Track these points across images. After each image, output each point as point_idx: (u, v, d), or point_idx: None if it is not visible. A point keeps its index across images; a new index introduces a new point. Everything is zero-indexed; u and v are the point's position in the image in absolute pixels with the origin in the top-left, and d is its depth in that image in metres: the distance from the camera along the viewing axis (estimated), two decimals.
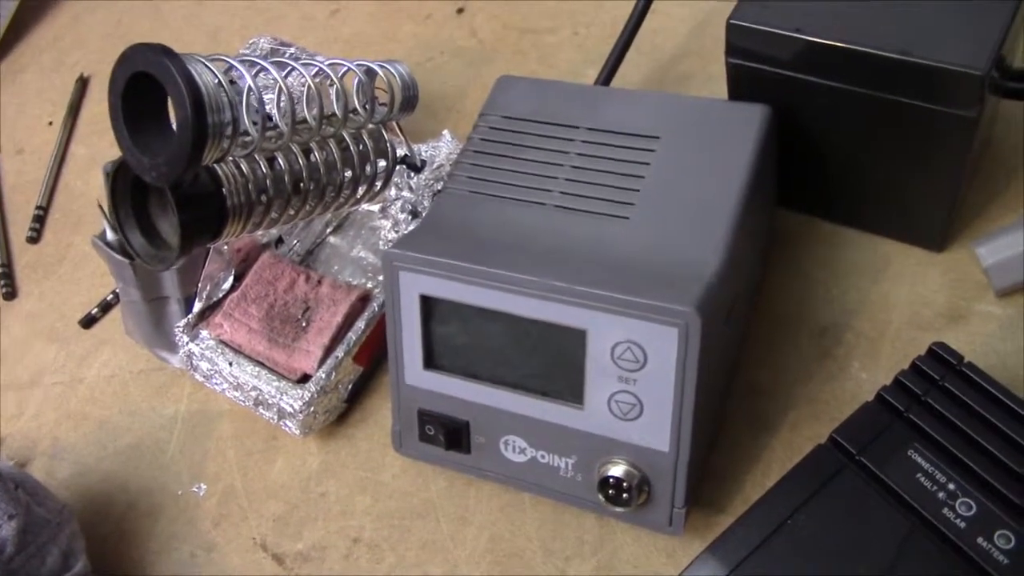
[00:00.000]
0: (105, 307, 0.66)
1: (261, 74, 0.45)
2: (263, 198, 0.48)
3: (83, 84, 0.83)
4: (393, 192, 0.61)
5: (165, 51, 0.39)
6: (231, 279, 0.59)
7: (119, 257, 0.55)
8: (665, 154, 0.48)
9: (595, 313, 0.42)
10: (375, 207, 0.63)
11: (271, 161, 0.48)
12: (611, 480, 0.45)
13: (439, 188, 0.60)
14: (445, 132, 0.62)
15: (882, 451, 0.40)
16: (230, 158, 0.46)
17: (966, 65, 0.43)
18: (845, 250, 0.56)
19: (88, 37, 0.89)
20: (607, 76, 0.60)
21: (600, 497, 0.46)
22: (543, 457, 0.47)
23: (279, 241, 0.62)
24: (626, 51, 0.60)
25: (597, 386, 0.44)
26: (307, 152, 0.50)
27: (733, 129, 0.48)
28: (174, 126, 0.43)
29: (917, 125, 0.47)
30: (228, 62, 0.43)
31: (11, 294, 0.70)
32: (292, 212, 0.51)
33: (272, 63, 0.46)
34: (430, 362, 0.48)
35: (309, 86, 0.48)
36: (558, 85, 0.54)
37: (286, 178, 0.49)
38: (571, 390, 0.45)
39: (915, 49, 0.44)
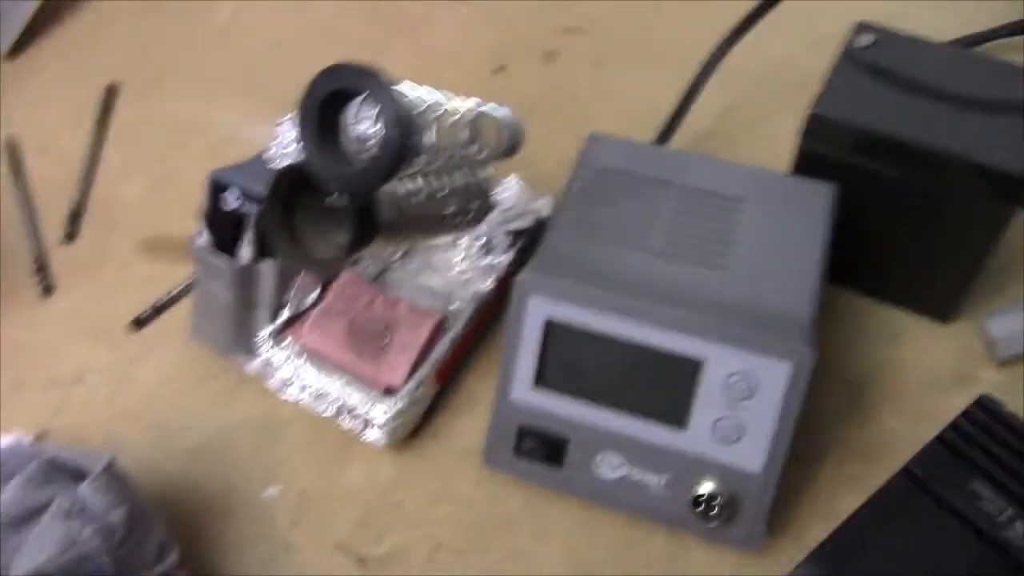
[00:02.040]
0: (158, 310, 0.67)
1: (433, 102, 0.49)
2: (402, 217, 0.52)
3: (112, 92, 0.83)
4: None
5: (375, 72, 0.43)
6: (317, 292, 0.61)
7: (223, 259, 0.57)
8: (751, 216, 0.56)
9: (716, 346, 0.49)
10: (445, 240, 0.67)
11: (413, 184, 0.52)
12: (704, 497, 0.51)
13: (512, 228, 0.65)
14: (512, 177, 0.67)
15: (949, 482, 0.48)
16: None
17: (1012, 167, 0.53)
18: (864, 316, 0.65)
19: (110, 41, 0.89)
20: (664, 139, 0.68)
21: (691, 513, 0.51)
22: (637, 474, 0.52)
23: (355, 262, 0.65)
24: (680, 120, 0.68)
25: (704, 411, 0.50)
26: (438, 178, 0.55)
27: (809, 201, 0.56)
28: (345, 142, 0.47)
29: (954, 213, 0.57)
30: (414, 86, 0.48)
31: (49, 289, 0.69)
32: (419, 233, 0.54)
33: (439, 94, 0.50)
34: (540, 381, 0.53)
35: (459, 119, 0.53)
36: (643, 147, 0.61)
37: (421, 201, 0.53)
38: (677, 413, 0.51)
39: (970, 149, 0.54)
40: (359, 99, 0.47)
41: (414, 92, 0.48)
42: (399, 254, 0.67)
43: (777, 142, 0.67)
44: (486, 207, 0.61)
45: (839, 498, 0.56)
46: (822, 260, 0.53)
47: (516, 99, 0.81)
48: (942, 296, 0.62)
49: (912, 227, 0.59)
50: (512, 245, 0.64)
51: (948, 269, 0.60)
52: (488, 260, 0.64)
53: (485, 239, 0.64)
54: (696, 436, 0.50)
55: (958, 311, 0.64)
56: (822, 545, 0.47)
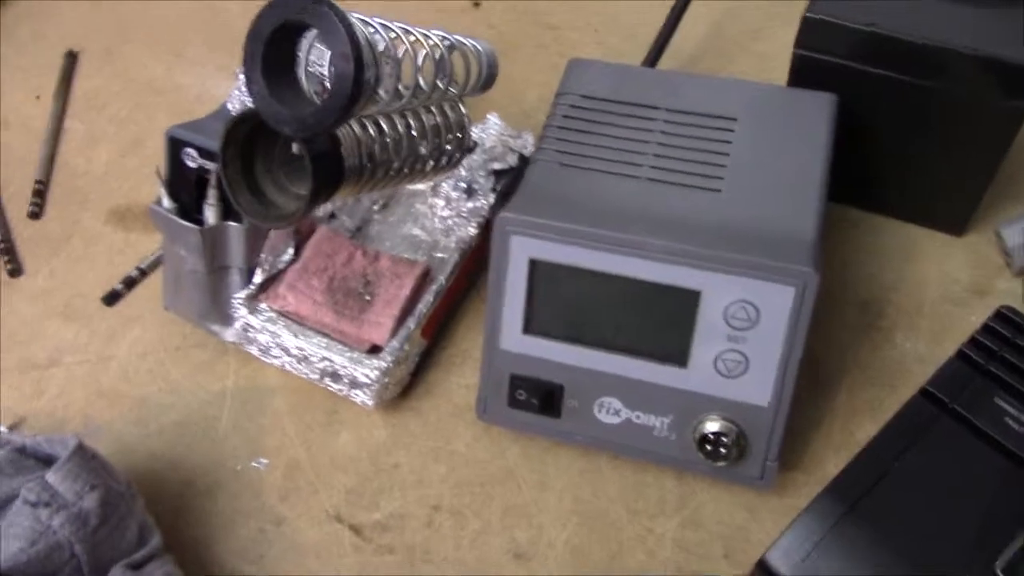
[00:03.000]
0: (129, 283, 0.64)
1: (391, 36, 0.45)
2: (370, 162, 0.48)
3: (72, 59, 0.80)
4: None
5: (324, 1, 0.40)
6: (291, 250, 0.58)
7: (186, 223, 0.54)
8: (745, 134, 0.52)
9: (711, 274, 0.45)
10: (424, 186, 0.63)
11: (378, 125, 0.49)
12: (710, 436, 0.48)
13: (494, 168, 0.62)
14: (491, 115, 0.64)
15: (971, 400, 0.45)
16: (347, 126, 0.46)
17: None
18: (875, 234, 0.61)
19: (67, 6, 0.85)
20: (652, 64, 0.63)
21: (698, 453, 0.48)
22: (638, 418, 0.49)
23: (331, 216, 0.61)
24: (667, 42, 0.64)
25: (705, 345, 0.47)
26: (405, 118, 0.51)
27: (808, 113, 0.52)
28: (302, 80, 0.43)
29: (965, 116, 0.53)
30: (368, 20, 0.44)
31: (16, 271, 0.66)
32: (391, 178, 0.51)
33: (400, 27, 0.46)
34: (529, 327, 0.49)
35: (428, 53, 0.49)
36: (628, 69, 0.57)
37: (390, 144, 0.49)
38: (676, 350, 0.47)
39: (979, 43, 0.49)
40: (312, 34, 0.43)
41: (374, 24, 0.44)
42: (378, 205, 0.64)
43: (772, 57, 0.63)
44: (465, 148, 0.57)
45: (855, 426, 0.53)
46: (824, 176, 0.50)
47: (494, 33, 0.77)
48: (955, 207, 0.59)
49: (920, 135, 0.55)
50: (495, 187, 0.61)
51: (960, 178, 0.57)
52: (471, 204, 0.60)
53: (467, 183, 0.61)
54: (698, 373, 0.47)
55: (971, 222, 0.60)
56: (838, 478, 0.44)
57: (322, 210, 0.61)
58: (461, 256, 0.59)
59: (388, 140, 0.49)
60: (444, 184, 0.61)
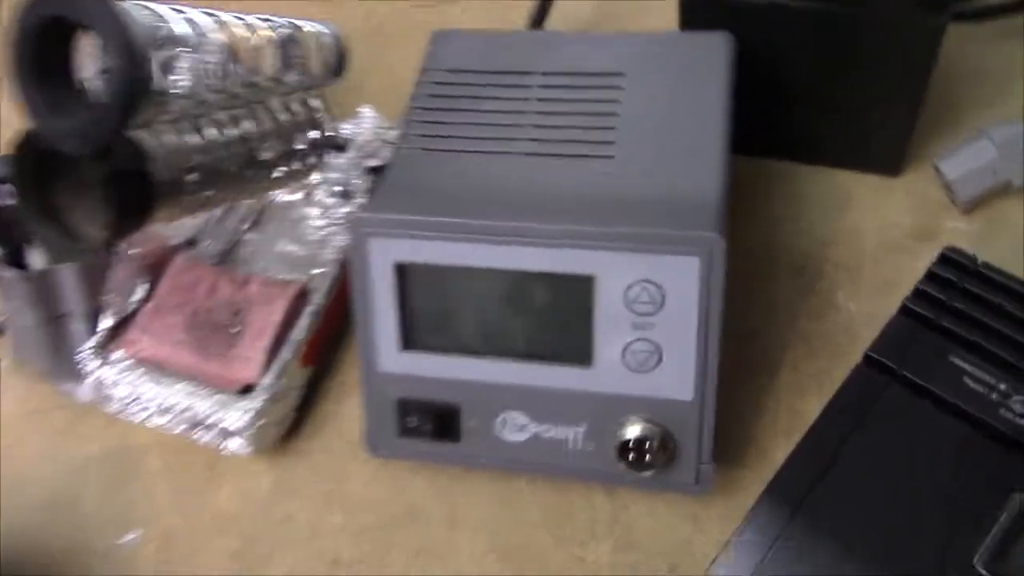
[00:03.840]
0: None
1: (193, 23, 0.38)
2: (194, 175, 0.41)
3: None
4: (316, 176, 0.54)
5: None
6: (142, 288, 0.51)
7: (7, 271, 0.46)
8: (634, 90, 0.45)
9: (603, 254, 0.38)
10: (297, 196, 0.56)
11: (199, 132, 0.41)
12: (631, 443, 0.41)
13: (371, 164, 0.54)
14: (365, 108, 0.57)
15: (922, 362, 0.38)
16: (156, 125, 0.39)
17: None
18: (802, 186, 0.54)
19: None
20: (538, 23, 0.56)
21: (620, 464, 0.41)
22: (547, 431, 0.42)
23: (191, 242, 0.54)
24: (548, 6, 0.57)
25: (608, 339, 0.40)
26: (236, 121, 0.44)
27: (701, 59, 0.46)
28: (85, 83, 0.36)
29: (881, 40, 0.46)
30: (147, 5, 0.36)
31: None
32: (229, 190, 0.44)
33: (203, 11, 0.39)
34: (409, 342, 0.42)
35: (257, 41, 0.42)
36: (499, 34, 0.50)
37: (219, 151, 0.42)
38: (578, 349, 0.40)
39: None
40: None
41: (157, 9, 0.37)
42: (248, 223, 0.56)
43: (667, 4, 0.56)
44: (324, 147, 0.50)
45: (803, 406, 0.47)
46: (725, 125, 0.43)
47: (360, 18, 0.70)
48: (884, 144, 0.52)
49: (832, 67, 0.49)
50: (373, 186, 0.54)
51: (884, 110, 0.50)
52: (348, 209, 0.53)
53: (342, 185, 0.54)
54: (606, 371, 0.40)
55: (907, 159, 0.53)
56: (777, 476, 0.37)
57: (176, 236, 0.53)
58: (341, 269, 0.51)
59: (215, 147, 0.42)
60: (318, 190, 0.54)
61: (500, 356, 0.42)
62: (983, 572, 0.33)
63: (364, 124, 0.56)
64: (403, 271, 0.41)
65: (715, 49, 0.46)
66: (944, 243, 0.51)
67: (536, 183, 0.42)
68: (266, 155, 0.45)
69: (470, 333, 0.42)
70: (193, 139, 0.41)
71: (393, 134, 0.56)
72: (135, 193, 0.38)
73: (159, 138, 0.39)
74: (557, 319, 0.40)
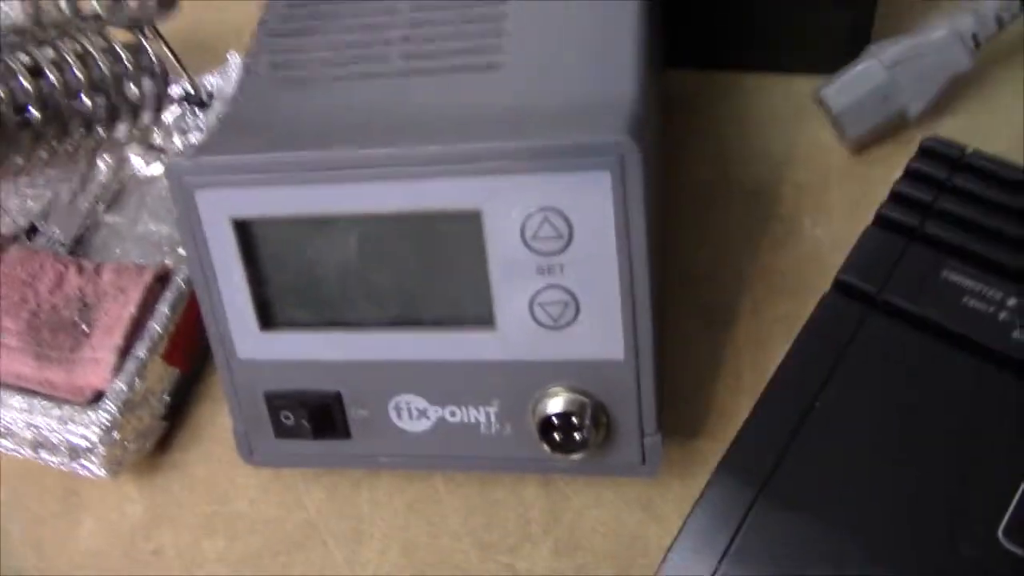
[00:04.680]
0: None
1: None
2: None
3: None
4: (177, 140, 0.46)
5: None
6: None
7: None
8: None
9: (487, 180, 0.30)
10: (157, 167, 0.48)
11: None
12: (554, 420, 0.32)
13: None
14: (231, 55, 0.48)
15: (908, 282, 0.30)
16: None
17: None
18: (752, 98, 0.46)
19: None
20: None
21: (544, 448, 0.33)
22: (453, 415, 0.34)
23: (32, 231, 0.45)
24: None
25: (509, 290, 0.31)
26: (36, 71, 0.35)
27: None
28: None
29: None
30: None
31: None
32: (24, 156, 0.35)
33: None
34: (269, 319, 0.34)
35: None
36: None
37: (2, 104, 0.33)
38: (474, 307, 0.32)
39: None
40: None
41: None
42: (104, 204, 0.47)
43: None
44: (163, 98, 0.41)
45: (769, 357, 0.38)
46: (638, 21, 0.34)
47: None
48: (843, 40, 0.43)
49: None
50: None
51: None
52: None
53: None
54: (512, 332, 0.32)
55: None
56: (738, 440, 0.29)
57: (11, 225, 0.44)
58: None
59: (2, 99, 0.33)
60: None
61: (382, 327, 0.33)
62: (1010, 547, 0.25)
63: (232, 74, 0.47)
64: (245, 229, 0.32)
65: None
66: (913, 151, 0.43)
67: (407, 106, 0.33)
68: (79, 108, 0.37)
69: (340, 301, 0.33)
70: None
71: None
72: None
73: None
74: (444, 272, 0.32)
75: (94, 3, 0.36)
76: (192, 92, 0.45)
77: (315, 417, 0.34)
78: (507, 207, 0.30)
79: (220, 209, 0.32)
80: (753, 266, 0.41)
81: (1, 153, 0.33)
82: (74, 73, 0.36)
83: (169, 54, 0.42)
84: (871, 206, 0.41)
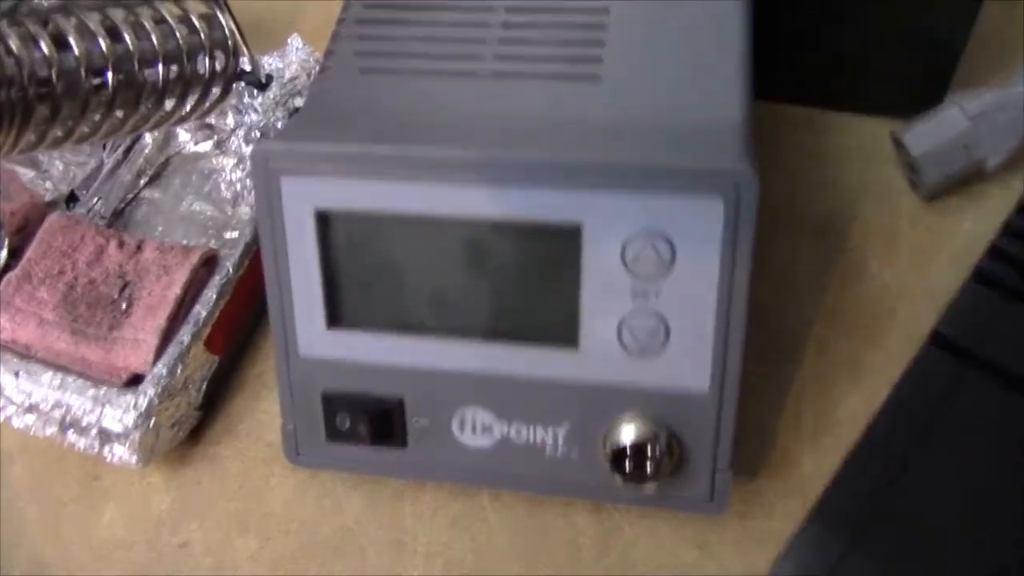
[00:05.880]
0: None
1: None
2: (44, 92, 0.31)
3: None
4: (231, 119, 0.44)
5: None
6: (3, 255, 0.40)
7: None
8: (626, 2, 0.35)
9: (594, 195, 0.29)
10: (206, 145, 0.46)
11: (58, 40, 0.31)
12: (628, 449, 0.31)
13: (299, 105, 0.45)
14: (293, 39, 0.46)
15: (1007, 339, 0.29)
16: None
17: None
18: (824, 135, 0.45)
19: None
20: None
21: (613, 475, 0.32)
22: (519, 433, 0.33)
23: (71, 199, 0.44)
24: None
25: (599, 311, 0.30)
26: (113, 33, 0.33)
27: None
28: None
29: None
30: None
31: None
32: (91, 124, 0.33)
33: None
34: (337, 318, 0.32)
35: None
36: None
37: (82, 67, 0.32)
38: (559, 325, 0.31)
39: None
40: None
41: None
42: (145, 177, 0.46)
43: None
44: (234, 76, 0.39)
45: (834, 399, 0.37)
46: (745, 39, 0.33)
47: None
48: (922, 85, 0.43)
49: None
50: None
51: (927, 43, 0.41)
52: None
53: (262, 129, 0.44)
54: (596, 354, 0.31)
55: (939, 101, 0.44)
56: (827, 494, 0.28)
57: (52, 190, 0.43)
58: (257, 231, 0.41)
59: (78, 60, 0.32)
60: (233, 137, 0.44)
61: (457, 335, 0.32)
62: None
63: (291, 57, 0.46)
64: (327, 221, 0.31)
65: None
66: (994, 199, 0.42)
67: (502, 109, 0.32)
68: (151, 78, 0.35)
69: (417, 305, 0.32)
70: (48, 49, 0.31)
71: None
72: None
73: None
74: (532, 285, 0.31)
75: None
76: (250, 71, 0.43)
77: (374, 422, 0.33)
78: (610, 225, 0.29)
79: (304, 198, 0.30)
80: (818, 304, 0.40)
81: (72, 117, 0.32)
82: (151, 40, 0.34)
83: (236, 30, 0.41)
84: (940, 255, 0.41)
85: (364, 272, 0.32)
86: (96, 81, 0.32)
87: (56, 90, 0.31)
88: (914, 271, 0.40)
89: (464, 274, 0.31)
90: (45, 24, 0.31)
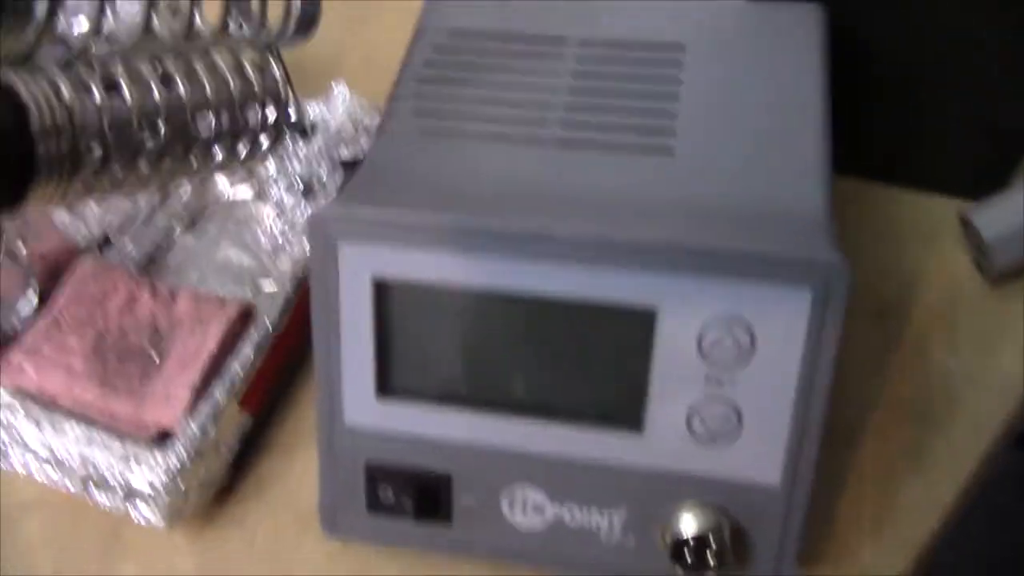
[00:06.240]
0: None
1: None
2: (95, 144, 0.29)
3: None
4: (272, 167, 0.43)
5: None
6: (34, 300, 0.39)
7: None
8: (699, 68, 0.34)
9: (673, 280, 0.27)
10: (247, 192, 0.45)
11: (110, 88, 0.30)
12: (690, 540, 0.30)
13: (344, 157, 0.43)
14: (339, 86, 0.45)
15: None
16: (43, 79, 0.27)
17: None
18: (882, 213, 0.44)
19: None
20: None
21: (673, 566, 0.30)
22: (573, 516, 0.31)
23: (105, 243, 0.42)
24: None
25: (669, 396, 0.29)
26: (167, 81, 0.32)
27: (787, 34, 0.35)
28: None
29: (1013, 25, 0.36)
30: None
31: None
32: (140, 174, 0.32)
33: None
34: (387, 387, 0.31)
35: None
36: None
37: (133, 115, 0.30)
38: (626, 407, 0.29)
39: None
40: None
41: None
42: (181, 223, 0.44)
43: None
44: (284, 128, 0.38)
45: (895, 486, 0.36)
46: (826, 120, 0.32)
47: None
48: (986, 165, 0.42)
49: (940, 66, 0.39)
50: (346, 183, 0.42)
51: (995, 122, 0.40)
52: (312, 209, 0.42)
53: (305, 180, 0.42)
54: (661, 440, 0.29)
55: (1005, 184, 0.43)
56: None
57: (85, 234, 0.41)
58: (297, 286, 0.40)
59: (131, 109, 0.30)
60: (274, 185, 0.43)
61: (512, 411, 0.30)
62: None
63: (336, 106, 0.45)
64: (384, 290, 0.29)
65: (804, 23, 0.35)
66: None
67: (569, 181, 0.31)
68: (203, 128, 0.34)
69: (471, 378, 0.30)
70: (100, 97, 0.29)
71: (372, 120, 0.45)
72: (4, 160, 0.26)
73: (50, 90, 0.28)
74: (597, 366, 0.29)
75: (239, 24, 0.34)
76: (295, 119, 0.42)
77: (420, 497, 0.31)
78: (687, 309, 0.27)
79: (362, 266, 0.29)
80: (879, 390, 0.38)
81: (122, 167, 0.30)
82: (205, 90, 0.33)
83: (287, 80, 0.39)
84: (1005, 341, 0.40)
85: (419, 343, 0.30)
86: (148, 131, 0.31)
87: (107, 140, 0.30)
88: (978, 357, 0.39)
89: (524, 351, 0.30)
90: (97, 71, 0.29)
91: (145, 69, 0.32)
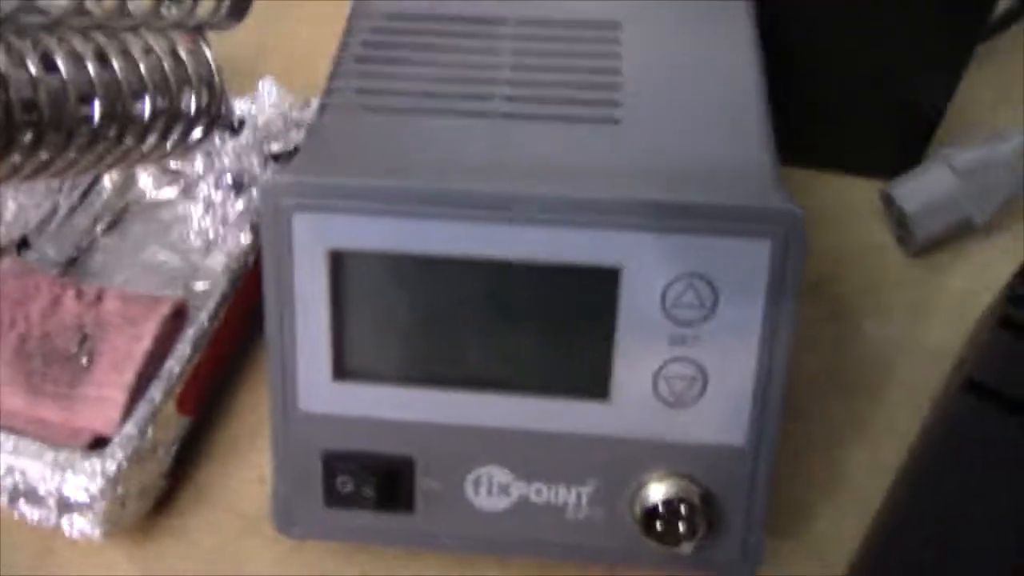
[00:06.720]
0: None
1: None
2: (29, 117, 0.28)
3: None
4: (199, 165, 0.42)
5: None
6: None
7: None
8: (636, 43, 0.35)
9: (635, 235, 0.27)
10: (171, 192, 0.43)
11: (46, 59, 0.28)
12: (660, 507, 0.29)
13: (274, 150, 0.42)
14: (265, 81, 0.44)
15: None
16: None
17: None
18: (810, 195, 0.45)
19: None
20: None
21: (642, 537, 0.30)
22: (539, 493, 0.30)
23: (23, 244, 0.40)
24: None
25: (635, 360, 0.29)
26: (101, 59, 0.31)
27: (717, 11, 0.36)
28: None
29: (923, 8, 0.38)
30: None
31: None
32: (73, 154, 0.30)
33: None
34: (343, 369, 0.30)
35: None
36: None
37: (69, 90, 0.29)
38: (590, 374, 0.29)
39: None
40: None
41: None
42: (103, 223, 0.42)
43: None
44: (214, 117, 0.37)
45: (840, 455, 0.37)
46: (761, 87, 0.33)
47: None
48: (903, 144, 0.44)
49: (854, 45, 0.40)
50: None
51: (911, 102, 0.42)
52: (243, 205, 0.40)
53: (234, 174, 0.41)
54: (629, 407, 0.29)
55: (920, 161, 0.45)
56: (860, 560, 0.26)
57: (2, 232, 0.39)
58: (232, 281, 0.38)
59: (67, 83, 0.29)
60: (202, 182, 0.41)
61: (475, 387, 0.30)
62: None
63: (264, 101, 0.44)
64: (340, 261, 0.28)
65: (738, 13, 0.36)
66: (973, 259, 0.43)
67: (520, 149, 0.30)
68: (139, 110, 0.32)
69: (432, 354, 0.30)
70: (35, 69, 0.28)
71: (303, 113, 0.44)
72: None
73: None
74: (561, 332, 0.29)
75: (171, 7, 0.32)
76: (224, 112, 0.41)
77: (381, 484, 0.30)
78: (651, 267, 0.27)
79: (316, 237, 0.28)
80: (817, 364, 0.39)
81: (56, 145, 0.29)
82: (140, 70, 0.31)
83: (218, 67, 0.38)
84: (932, 310, 0.41)
85: (376, 318, 0.29)
86: (83, 109, 0.30)
87: (42, 115, 0.28)
88: (907, 328, 0.41)
89: (487, 320, 0.29)
90: (33, 44, 0.28)
91: (79, 45, 0.30)
